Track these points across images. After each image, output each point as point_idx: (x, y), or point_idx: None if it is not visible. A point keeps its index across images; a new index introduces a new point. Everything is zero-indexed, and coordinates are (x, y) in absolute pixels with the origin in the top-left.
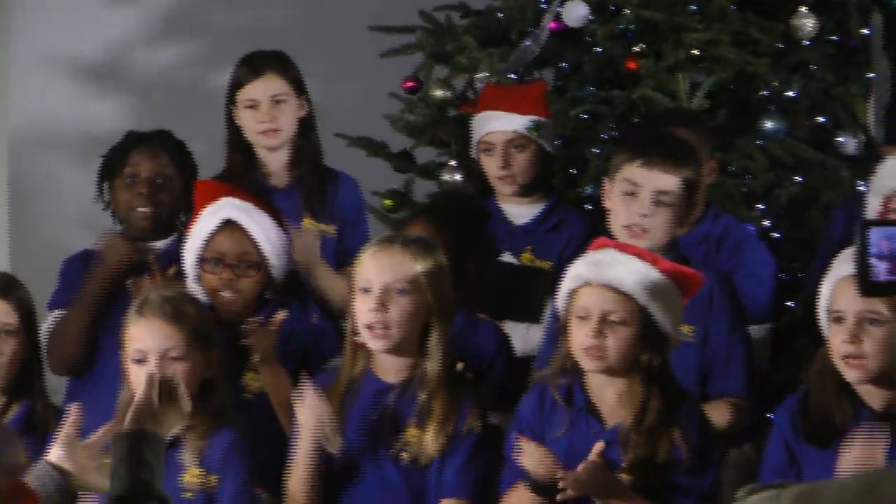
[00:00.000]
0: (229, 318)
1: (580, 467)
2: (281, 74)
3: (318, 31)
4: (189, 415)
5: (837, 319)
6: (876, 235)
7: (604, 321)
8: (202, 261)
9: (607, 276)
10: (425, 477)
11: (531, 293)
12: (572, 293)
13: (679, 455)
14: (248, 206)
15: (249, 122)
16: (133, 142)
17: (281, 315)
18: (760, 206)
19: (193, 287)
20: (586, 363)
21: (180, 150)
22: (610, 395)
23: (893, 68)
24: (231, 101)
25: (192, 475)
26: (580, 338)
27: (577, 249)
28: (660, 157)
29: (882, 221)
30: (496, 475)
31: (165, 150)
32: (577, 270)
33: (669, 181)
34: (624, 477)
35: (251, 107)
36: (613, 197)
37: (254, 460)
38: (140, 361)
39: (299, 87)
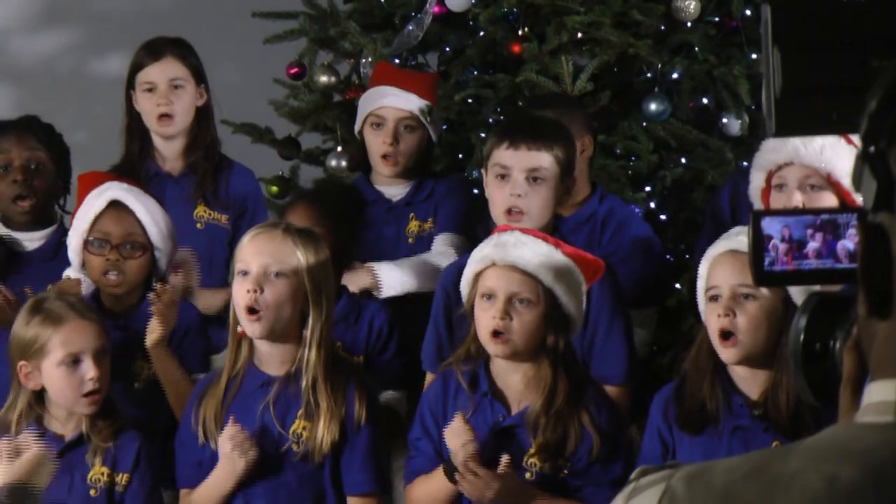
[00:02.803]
0: (114, 305)
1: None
2: (180, 59)
3: (201, 17)
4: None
5: (713, 297)
6: (770, 224)
7: (510, 302)
8: (87, 243)
9: (513, 256)
10: (321, 474)
11: None
12: (477, 275)
13: (589, 440)
14: (135, 188)
15: (147, 106)
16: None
17: (177, 278)
18: (646, 188)
19: (78, 273)
20: (492, 348)
21: (48, 133)
22: (516, 380)
23: (784, 59)
24: (130, 85)
25: (97, 472)
26: (486, 320)
27: (449, 207)
28: (525, 135)
29: (773, 211)
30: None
31: (34, 134)
32: (482, 252)
33: (538, 158)
34: (533, 462)
35: (149, 90)
36: (489, 184)
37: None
38: (76, 363)
39: (198, 75)
